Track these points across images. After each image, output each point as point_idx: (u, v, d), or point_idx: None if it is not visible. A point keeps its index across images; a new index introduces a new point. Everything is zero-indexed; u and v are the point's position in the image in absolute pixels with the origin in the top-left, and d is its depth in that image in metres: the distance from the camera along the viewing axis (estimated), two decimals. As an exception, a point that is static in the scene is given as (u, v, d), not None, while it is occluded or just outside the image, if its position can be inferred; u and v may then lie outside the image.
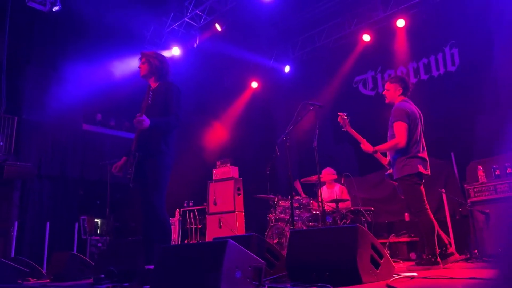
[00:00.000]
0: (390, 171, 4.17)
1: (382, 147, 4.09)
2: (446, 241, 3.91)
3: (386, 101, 4.27)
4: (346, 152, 8.37)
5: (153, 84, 3.62)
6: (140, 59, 3.70)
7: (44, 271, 5.40)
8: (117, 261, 3.92)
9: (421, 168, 3.91)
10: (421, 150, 4.01)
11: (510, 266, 0.68)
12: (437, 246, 3.76)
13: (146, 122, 3.20)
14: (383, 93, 4.32)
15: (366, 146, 4.17)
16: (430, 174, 4.02)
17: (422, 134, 4.11)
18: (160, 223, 3.31)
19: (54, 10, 7.16)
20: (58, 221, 8.09)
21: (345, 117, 4.31)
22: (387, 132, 4.18)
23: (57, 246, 7.75)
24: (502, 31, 6.64)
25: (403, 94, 4.18)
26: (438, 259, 3.73)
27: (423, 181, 3.98)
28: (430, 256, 3.73)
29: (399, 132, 3.93)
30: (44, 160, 8.14)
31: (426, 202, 3.88)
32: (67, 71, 7.95)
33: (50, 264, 5.28)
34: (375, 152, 4.16)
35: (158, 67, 3.62)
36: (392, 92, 4.20)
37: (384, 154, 4.28)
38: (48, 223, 7.47)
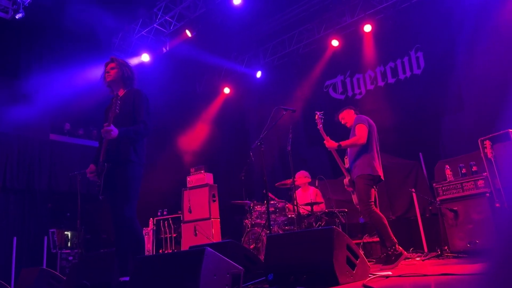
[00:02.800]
0: (348, 177, 4.49)
1: (345, 143, 4.42)
2: None
3: (348, 126, 4.68)
4: (319, 155, 8.48)
5: (120, 92, 3.53)
6: (109, 64, 3.57)
7: (12, 289, 5.18)
8: (90, 274, 3.80)
9: (381, 173, 4.30)
10: (379, 158, 4.41)
11: (502, 261, 0.71)
12: (393, 236, 4.04)
13: (114, 132, 3.12)
14: (342, 122, 4.75)
15: (330, 142, 4.47)
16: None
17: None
18: (132, 234, 3.24)
19: (17, 17, 6.94)
20: (25, 236, 7.79)
21: (321, 116, 4.64)
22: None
23: (25, 261, 7.46)
24: (464, 36, 6.94)
25: (355, 113, 4.69)
26: (400, 249, 4.02)
27: (376, 185, 4.34)
28: (393, 249, 3.98)
29: (360, 132, 4.34)
30: (9, 173, 7.82)
31: (374, 203, 4.23)
32: (32, 80, 7.69)
33: (19, 280, 5.06)
34: (340, 146, 4.43)
35: (129, 76, 3.55)
36: (348, 117, 4.68)
37: (343, 161, 4.61)
38: (15, 238, 7.18)
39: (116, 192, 3.27)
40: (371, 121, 4.49)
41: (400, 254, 3.96)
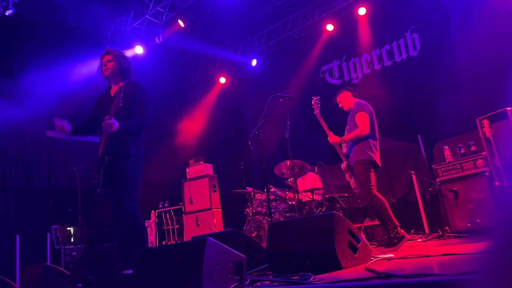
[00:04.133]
0: (345, 162, 4.45)
1: (348, 136, 4.34)
2: None
3: (345, 109, 4.58)
4: (318, 142, 8.48)
5: (118, 85, 3.51)
6: (105, 56, 3.50)
7: (17, 286, 5.21)
8: (94, 269, 3.81)
9: (378, 160, 4.26)
10: (377, 144, 4.35)
11: (504, 237, 0.70)
12: (394, 219, 4.03)
13: (116, 125, 3.10)
14: (339, 106, 4.64)
15: (333, 138, 4.42)
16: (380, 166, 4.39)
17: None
18: (134, 227, 3.24)
19: (7, 14, 6.83)
20: (28, 233, 7.80)
21: (318, 101, 4.57)
22: (345, 126, 4.49)
23: (29, 259, 7.48)
24: (457, 12, 6.87)
25: (354, 96, 4.57)
26: (402, 231, 4.01)
27: (374, 170, 4.29)
28: (395, 232, 3.98)
29: (361, 121, 4.25)
30: (8, 171, 7.80)
31: (375, 187, 4.19)
32: (27, 77, 7.61)
33: (23, 278, 5.09)
34: (343, 141, 4.40)
35: (127, 67, 3.51)
36: (346, 100, 4.56)
37: (341, 147, 4.55)
38: (18, 236, 7.19)
39: (116, 186, 3.27)
40: (370, 107, 4.43)
41: (402, 237, 3.96)
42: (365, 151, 4.20)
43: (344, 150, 4.48)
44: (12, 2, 6.83)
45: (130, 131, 3.27)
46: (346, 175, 4.55)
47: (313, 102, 4.59)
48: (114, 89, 3.53)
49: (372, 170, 4.23)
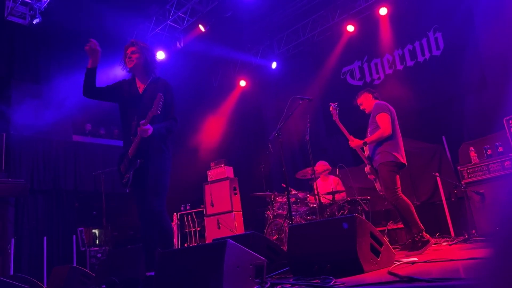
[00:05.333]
0: (369, 166, 4.39)
1: (371, 138, 4.28)
2: None
3: (367, 112, 4.53)
4: (339, 144, 8.39)
5: (143, 81, 3.41)
6: (129, 47, 3.39)
7: (45, 286, 5.35)
8: (118, 271, 3.88)
9: (404, 160, 4.19)
10: (401, 144, 4.28)
11: (505, 244, 0.69)
12: (419, 223, 3.95)
13: (150, 130, 3.11)
14: (361, 108, 4.59)
15: (354, 141, 4.38)
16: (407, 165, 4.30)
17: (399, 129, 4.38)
18: (162, 228, 3.22)
19: (34, 22, 7.09)
20: (55, 235, 8.02)
21: (336, 107, 4.52)
22: (367, 128, 4.43)
23: (56, 260, 7.69)
24: (481, 8, 6.68)
25: (375, 98, 4.50)
26: (427, 236, 3.93)
27: (399, 171, 4.21)
28: (420, 236, 3.90)
29: (383, 122, 4.19)
30: (36, 175, 8.05)
31: (400, 189, 4.12)
32: (52, 83, 7.86)
33: (51, 278, 5.22)
34: (365, 144, 4.34)
35: (152, 61, 3.41)
36: (366, 102, 4.51)
37: (363, 150, 4.49)
38: (45, 238, 7.40)
39: (145, 186, 3.23)
40: (391, 107, 4.36)
41: (428, 241, 3.87)
42: (391, 153, 4.13)
43: (367, 153, 4.42)
44: (39, 11, 7.08)
45: (162, 135, 3.26)
46: (371, 178, 4.48)
47: (331, 109, 4.54)
48: (139, 84, 3.43)
49: (397, 171, 4.16)
